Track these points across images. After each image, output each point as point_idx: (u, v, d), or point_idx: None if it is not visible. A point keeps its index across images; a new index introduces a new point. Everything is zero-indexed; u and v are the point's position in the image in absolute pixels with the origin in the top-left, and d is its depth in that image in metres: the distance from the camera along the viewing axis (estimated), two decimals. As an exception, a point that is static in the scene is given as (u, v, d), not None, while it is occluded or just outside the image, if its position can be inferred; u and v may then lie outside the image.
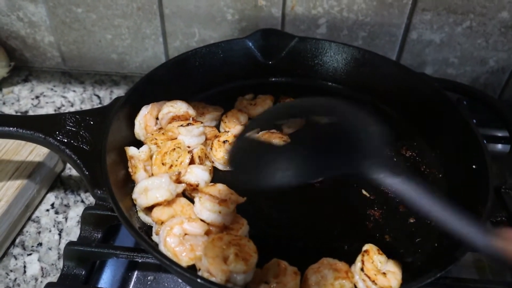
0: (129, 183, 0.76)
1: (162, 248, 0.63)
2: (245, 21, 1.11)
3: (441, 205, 0.52)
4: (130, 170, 0.75)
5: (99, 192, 0.64)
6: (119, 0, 1.10)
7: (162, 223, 0.66)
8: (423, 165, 0.85)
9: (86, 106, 1.15)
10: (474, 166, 0.74)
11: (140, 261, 0.73)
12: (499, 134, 1.01)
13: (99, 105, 1.15)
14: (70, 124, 0.73)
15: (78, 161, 0.68)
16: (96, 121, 0.75)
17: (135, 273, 0.78)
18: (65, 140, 0.71)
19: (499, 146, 1.01)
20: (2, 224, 0.79)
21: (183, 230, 0.65)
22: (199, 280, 0.56)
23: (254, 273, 0.61)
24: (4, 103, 1.14)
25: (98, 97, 1.18)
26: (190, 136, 0.78)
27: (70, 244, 0.71)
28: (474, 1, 1.03)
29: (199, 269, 0.61)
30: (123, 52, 1.20)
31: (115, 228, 0.82)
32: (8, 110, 1.12)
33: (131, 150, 0.75)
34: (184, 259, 0.62)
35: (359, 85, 0.98)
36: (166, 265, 0.58)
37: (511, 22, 1.05)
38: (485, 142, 0.76)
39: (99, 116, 0.76)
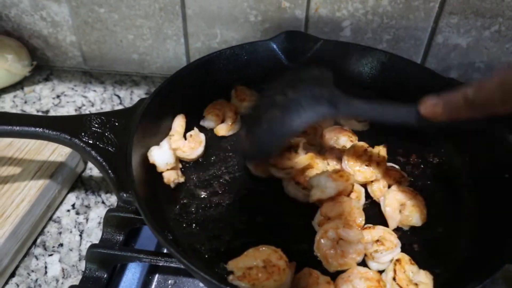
0: (152, 185, 0.75)
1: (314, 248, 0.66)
2: (268, 23, 1.09)
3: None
4: None
5: (125, 195, 0.64)
6: (142, 0, 1.09)
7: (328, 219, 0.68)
8: (451, 172, 0.83)
9: (107, 106, 1.15)
10: (506, 175, 0.72)
11: (161, 264, 0.72)
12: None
13: (120, 105, 1.15)
14: (96, 125, 0.72)
15: (104, 163, 0.68)
16: (121, 123, 0.74)
17: (156, 276, 0.77)
18: (91, 142, 0.70)
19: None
20: (25, 224, 0.79)
21: (338, 235, 0.66)
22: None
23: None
24: (25, 102, 1.14)
25: (119, 97, 1.18)
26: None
27: (93, 246, 0.71)
28: (504, 5, 1.00)
29: None
30: (144, 53, 1.19)
31: (135, 230, 0.81)
32: (30, 109, 1.12)
33: None
34: (333, 264, 0.63)
35: (384, 90, 0.96)
36: (192, 271, 0.57)
37: (541, 27, 1.02)
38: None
39: (124, 117, 0.75)
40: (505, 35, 1.04)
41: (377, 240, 0.67)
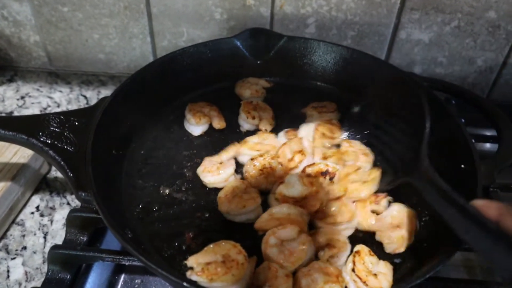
0: (113, 184, 0.74)
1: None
2: (233, 21, 1.10)
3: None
4: None
5: (83, 194, 0.63)
6: (106, -1, 1.08)
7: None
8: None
9: (73, 107, 1.13)
10: (462, 166, 0.74)
11: (127, 264, 0.72)
12: (487, 133, 1.01)
13: (86, 106, 1.14)
14: (54, 124, 0.71)
15: (62, 162, 0.67)
16: (81, 122, 0.73)
17: (122, 276, 0.76)
18: (49, 141, 0.69)
19: (487, 145, 1.01)
20: (-15, 227, 0.77)
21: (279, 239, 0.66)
22: (185, 284, 0.55)
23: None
24: (-12, 104, 1.12)
25: (85, 97, 1.16)
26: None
27: (55, 247, 0.70)
28: (462, 1, 1.03)
29: None
30: (111, 52, 1.18)
31: (101, 230, 0.80)
32: (-7, 110, 1.10)
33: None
34: (288, 265, 0.63)
35: (348, 85, 0.97)
36: (151, 268, 0.57)
37: (498, 22, 1.05)
38: (473, 141, 0.76)
39: (84, 116, 0.74)
40: (464, 30, 1.07)
41: (327, 244, 0.68)
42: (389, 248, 0.69)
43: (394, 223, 0.70)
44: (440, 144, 0.83)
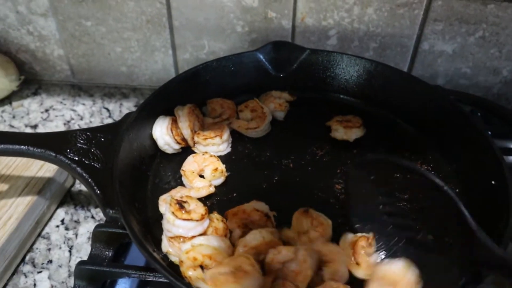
0: (141, 201, 0.75)
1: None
2: (255, 33, 1.10)
3: None
4: None
5: (111, 211, 0.63)
6: (129, 13, 1.09)
7: None
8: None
9: (96, 120, 1.14)
10: (493, 182, 0.73)
11: (152, 280, 0.72)
12: (514, 146, 0.99)
13: (109, 118, 1.15)
14: (81, 141, 0.72)
15: (90, 179, 0.67)
16: (107, 138, 0.74)
17: (146, 291, 0.76)
18: (76, 158, 0.70)
19: (515, 158, 0.99)
20: (12, 241, 0.78)
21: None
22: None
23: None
24: (14, 117, 1.14)
25: (108, 110, 1.17)
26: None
27: (81, 263, 0.70)
28: (487, 11, 1.01)
29: None
30: (133, 65, 1.20)
31: (125, 245, 0.80)
32: (18, 123, 1.12)
33: None
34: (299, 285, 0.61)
35: (372, 98, 0.96)
36: (176, 285, 0.57)
37: (525, 32, 1.03)
38: (503, 156, 0.75)
39: (110, 132, 0.75)
40: (489, 41, 1.06)
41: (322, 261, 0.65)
42: None
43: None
44: (467, 160, 0.81)
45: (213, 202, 0.78)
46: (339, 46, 1.10)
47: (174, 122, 0.85)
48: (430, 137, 0.89)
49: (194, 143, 0.85)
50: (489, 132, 0.82)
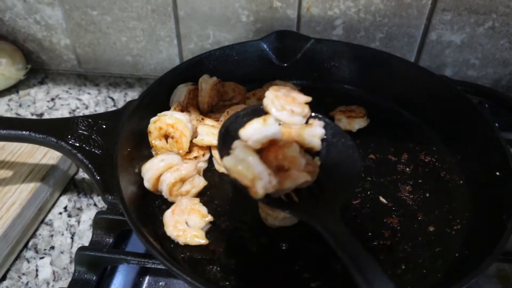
0: (140, 187, 0.75)
1: None
2: (260, 23, 1.09)
3: None
4: None
5: (110, 197, 0.64)
6: (134, 2, 1.09)
7: None
8: (443, 171, 0.82)
9: (101, 109, 1.15)
10: (497, 173, 0.71)
11: (151, 267, 0.72)
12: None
13: (113, 108, 1.15)
14: (82, 128, 0.72)
15: (90, 165, 0.68)
16: (109, 125, 0.74)
17: (146, 278, 0.76)
18: (77, 144, 0.70)
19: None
20: (16, 227, 0.79)
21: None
22: (208, 289, 0.54)
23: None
24: (20, 105, 1.15)
25: (113, 99, 1.18)
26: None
27: (82, 249, 0.71)
28: (497, 1, 0.99)
29: None
30: (138, 55, 1.20)
31: (126, 232, 0.81)
32: (24, 112, 1.12)
33: None
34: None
35: (377, 88, 0.95)
36: (175, 272, 0.57)
37: (536, 22, 1.01)
38: (509, 147, 0.73)
39: (111, 119, 0.75)
40: (499, 31, 1.03)
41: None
42: None
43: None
44: (473, 150, 0.80)
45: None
46: (345, 36, 1.09)
47: (194, 91, 0.87)
48: (435, 127, 0.88)
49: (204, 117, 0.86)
50: (496, 124, 0.81)
